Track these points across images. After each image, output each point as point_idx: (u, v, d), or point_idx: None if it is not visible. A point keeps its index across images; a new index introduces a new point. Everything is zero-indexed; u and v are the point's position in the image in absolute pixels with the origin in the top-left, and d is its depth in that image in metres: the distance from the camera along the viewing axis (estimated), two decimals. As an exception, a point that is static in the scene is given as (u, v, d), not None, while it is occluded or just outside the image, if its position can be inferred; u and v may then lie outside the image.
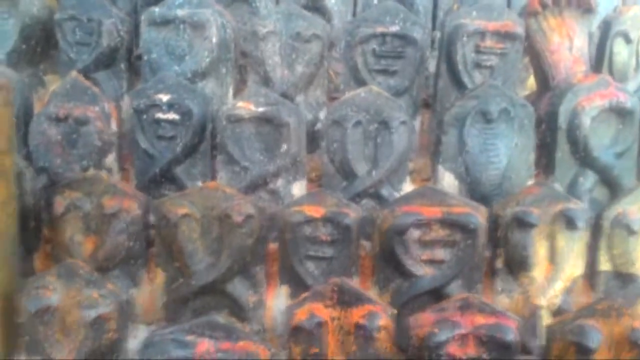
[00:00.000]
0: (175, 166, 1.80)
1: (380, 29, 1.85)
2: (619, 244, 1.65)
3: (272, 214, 1.62)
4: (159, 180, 1.80)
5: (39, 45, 2.12)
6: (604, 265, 1.67)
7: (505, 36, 1.86)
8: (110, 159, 1.84)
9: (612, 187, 1.86)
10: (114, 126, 1.83)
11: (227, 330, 1.34)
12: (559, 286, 1.62)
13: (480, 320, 1.33)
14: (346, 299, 1.36)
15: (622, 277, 1.67)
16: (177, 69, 1.93)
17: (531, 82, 2.19)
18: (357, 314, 1.34)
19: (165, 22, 1.93)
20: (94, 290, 1.38)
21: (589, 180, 1.85)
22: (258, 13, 2.16)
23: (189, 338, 1.33)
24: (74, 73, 1.85)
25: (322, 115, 1.94)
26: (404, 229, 1.53)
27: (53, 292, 1.38)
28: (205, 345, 1.32)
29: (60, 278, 1.39)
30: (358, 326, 1.33)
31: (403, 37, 1.86)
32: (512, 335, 1.31)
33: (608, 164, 1.83)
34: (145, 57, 1.97)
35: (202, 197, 1.58)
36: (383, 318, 1.33)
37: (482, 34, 1.86)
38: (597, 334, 1.30)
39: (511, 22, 1.87)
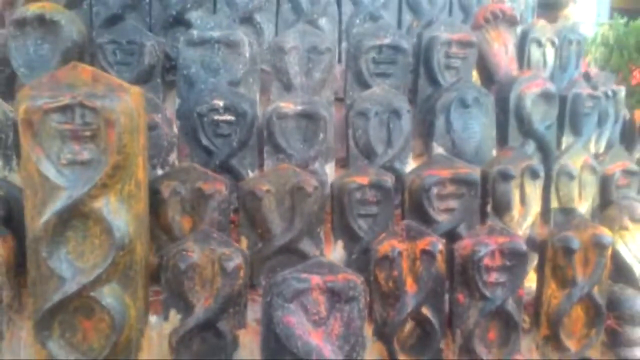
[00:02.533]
0: (231, 159, 2.17)
1: (377, 42, 2.36)
2: (563, 187, 2.29)
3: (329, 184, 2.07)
4: (218, 172, 2.16)
5: (75, 66, 2.37)
6: (554, 203, 2.31)
7: (466, 44, 2.45)
8: (173, 157, 2.18)
9: (544, 150, 2.51)
10: (175, 129, 2.17)
11: (329, 267, 1.76)
12: (529, 221, 2.21)
13: (501, 239, 1.88)
14: (412, 235, 1.84)
15: (566, 211, 2.31)
16: (214, 80, 2.30)
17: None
18: (422, 244, 1.83)
19: (202, 42, 2.30)
20: (226, 248, 1.75)
21: (530, 147, 2.49)
22: (262, 33, 2.58)
23: (304, 275, 1.73)
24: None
25: (332, 111, 2.40)
26: (428, 187, 2.04)
27: (194, 252, 1.73)
28: (316, 279, 1.73)
29: (197, 242, 1.75)
30: (424, 252, 1.82)
31: (394, 47, 2.37)
32: (524, 246, 1.87)
33: (542, 134, 2.48)
34: (184, 72, 2.31)
35: (277, 176, 1.98)
36: (440, 245, 1.84)
37: (449, 43, 2.43)
38: (577, 240, 1.90)
39: (468, 34, 2.47)
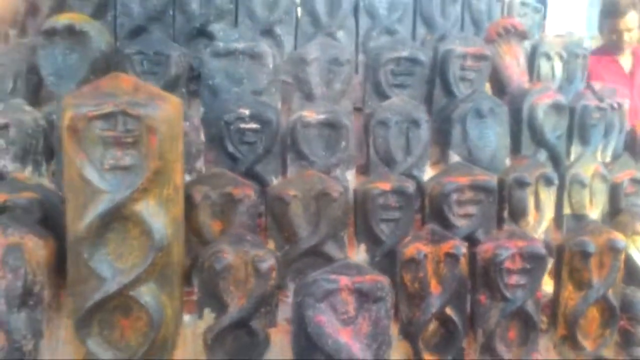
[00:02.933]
0: (255, 165, 2.25)
1: (396, 54, 2.45)
2: (576, 194, 2.38)
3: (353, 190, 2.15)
4: (243, 177, 2.23)
5: (102, 76, 2.44)
6: (566, 209, 2.40)
7: (480, 57, 2.54)
8: (200, 164, 2.25)
9: (555, 159, 2.60)
10: (202, 137, 2.25)
11: (357, 269, 1.83)
12: (543, 226, 2.29)
13: (521, 243, 1.96)
14: (436, 238, 1.92)
15: (578, 217, 2.40)
16: (237, 90, 2.38)
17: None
18: (446, 247, 1.90)
19: (227, 53, 2.38)
20: (259, 250, 1.82)
21: (542, 156, 2.58)
22: (282, 45, 2.66)
23: (333, 276, 1.80)
24: (164, 96, 2.23)
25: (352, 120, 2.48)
26: (448, 193, 2.13)
27: (228, 254, 1.80)
28: (345, 280, 1.80)
29: (231, 244, 1.82)
30: (449, 255, 1.90)
31: (412, 60, 2.46)
32: (543, 250, 1.95)
33: (554, 143, 2.57)
34: (209, 82, 2.39)
35: (303, 182, 2.06)
36: (464, 248, 1.92)
37: (464, 56, 2.52)
38: (592, 244, 1.99)
39: (483, 48, 2.56)
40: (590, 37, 7.67)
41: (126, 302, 1.76)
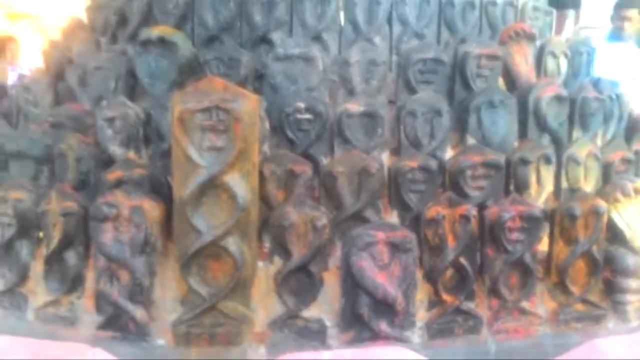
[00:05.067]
0: (309, 148, 2.76)
1: (422, 56, 2.92)
2: (571, 171, 2.83)
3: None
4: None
5: (187, 78, 2.97)
6: (564, 183, 2.85)
7: (493, 57, 2.99)
8: (266, 147, 2.77)
9: (557, 142, 3.03)
10: (267, 125, 2.77)
11: (391, 227, 2.34)
12: (543, 197, 2.75)
13: (521, 208, 2.43)
14: (453, 203, 2.41)
15: (573, 190, 2.85)
16: (294, 88, 2.89)
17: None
18: (460, 210, 2.39)
19: (286, 58, 2.89)
20: (316, 212, 2.34)
21: (546, 139, 3.03)
22: (328, 49, 3.16)
23: (372, 232, 2.31)
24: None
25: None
26: (464, 169, 2.60)
27: (292, 214, 2.33)
28: (381, 234, 2.31)
29: (295, 207, 2.34)
30: (462, 216, 2.39)
31: (436, 60, 2.93)
32: (538, 212, 2.42)
33: (556, 129, 3.01)
34: (271, 81, 2.91)
35: (348, 160, 2.56)
36: (474, 211, 2.40)
37: (479, 56, 2.97)
38: (578, 209, 2.45)
39: (495, 49, 3.01)
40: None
41: (217, 250, 2.30)
